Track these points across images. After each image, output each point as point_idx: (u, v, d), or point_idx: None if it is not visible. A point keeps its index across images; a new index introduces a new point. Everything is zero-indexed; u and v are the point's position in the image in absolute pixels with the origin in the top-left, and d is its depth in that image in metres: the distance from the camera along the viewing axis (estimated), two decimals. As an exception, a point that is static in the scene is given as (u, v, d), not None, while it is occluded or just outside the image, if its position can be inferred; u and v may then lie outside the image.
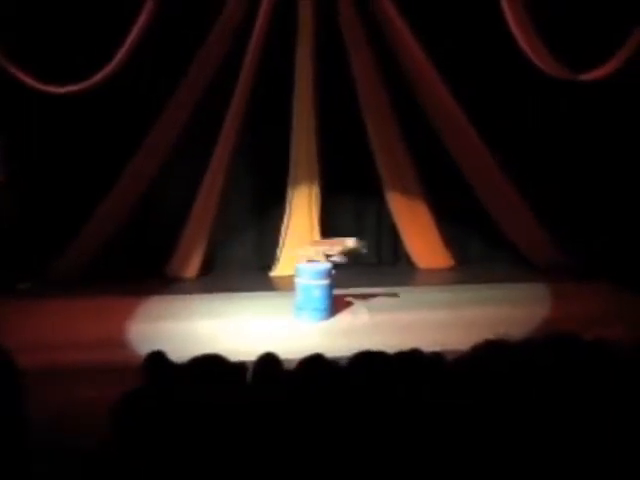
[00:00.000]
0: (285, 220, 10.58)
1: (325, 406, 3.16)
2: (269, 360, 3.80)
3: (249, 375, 3.64)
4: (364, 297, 9.33)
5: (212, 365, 3.39)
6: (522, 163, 10.30)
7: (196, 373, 3.37)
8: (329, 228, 10.67)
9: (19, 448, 2.71)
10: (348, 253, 8.96)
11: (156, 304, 9.31)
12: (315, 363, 3.55)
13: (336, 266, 9.01)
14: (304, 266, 8.96)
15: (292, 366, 3.60)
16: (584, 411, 2.95)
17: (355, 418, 3.07)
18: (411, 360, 3.63)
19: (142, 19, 9.08)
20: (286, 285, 9.65)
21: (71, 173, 10.00)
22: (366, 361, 3.46)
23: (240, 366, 3.51)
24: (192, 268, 10.49)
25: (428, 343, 5.39)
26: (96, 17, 9.37)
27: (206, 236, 10.47)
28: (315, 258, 8.83)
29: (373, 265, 10.89)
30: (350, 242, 8.98)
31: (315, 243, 9.52)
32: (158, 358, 4.11)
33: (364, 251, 9.20)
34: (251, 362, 3.81)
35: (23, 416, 2.72)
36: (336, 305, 8.98)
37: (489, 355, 3.03)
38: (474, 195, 10.45)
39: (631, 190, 10.18)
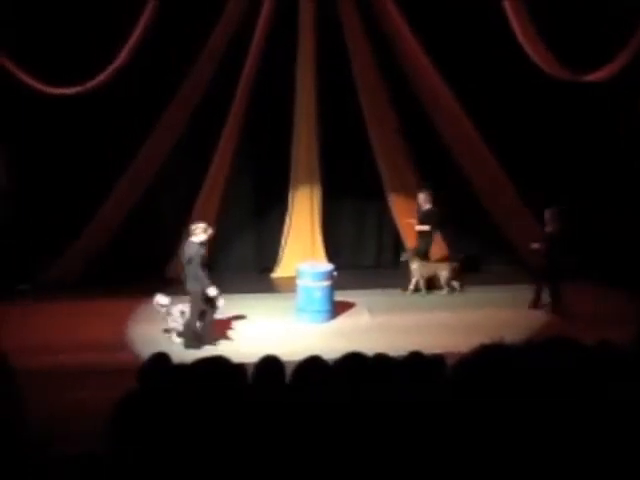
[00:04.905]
0: (286, 221, 10.55)
1: (321, 407, 3.15)
2: (270, 362, 3.77)
3: (250, 377, 3.62)
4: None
5: (214, 367, 3.36)
6: (524, 165, 10.24)
7: (198, 375, 3.35)
8: (330, 230, 10.66)
9: (16, 448, 2.70)
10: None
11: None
12: (312, 365, 3.53)
13: (337, 268, 9.00)
14: (305, 268, 8.95)
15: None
16: (584, 413, 2.94)
17: (351, 419, 3.05)
18: (412, 362, 3.61)
19: (142, 23, 9.09)
20: (287, 287, 9.64)
21: (71, 177, 9.98)
22: (354, 363, 3.45)
23: (241, 368, 3.49)
24: (193, 270, 10.45)
25: (429, 345, 5.38)
26: (97, 20, 9.35)
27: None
28: None
29: (374, 267, 10.88)
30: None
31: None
32: (161, 360, 4.08)
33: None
34: (252, 364, 3.79)
35: (20, 417, 2.70)
36: (337, 307, 8.99)
37: (489, 358, 3.01)
38: (475, 199, 10.42)
39: (624, 193, 10.17)
